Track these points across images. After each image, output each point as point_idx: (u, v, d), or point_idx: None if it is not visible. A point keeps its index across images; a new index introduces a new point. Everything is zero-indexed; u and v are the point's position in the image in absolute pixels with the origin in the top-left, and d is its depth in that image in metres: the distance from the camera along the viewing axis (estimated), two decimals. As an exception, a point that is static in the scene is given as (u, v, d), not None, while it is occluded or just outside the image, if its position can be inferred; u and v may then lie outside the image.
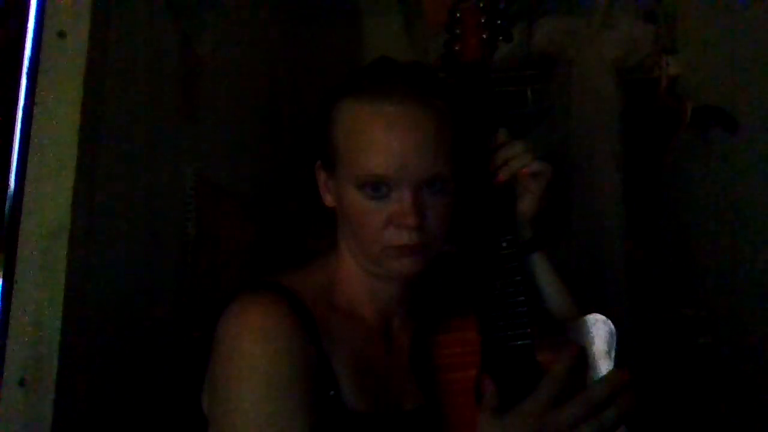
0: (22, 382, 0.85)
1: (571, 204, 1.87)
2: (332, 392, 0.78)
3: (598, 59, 1.89)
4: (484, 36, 0.91)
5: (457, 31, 0.92)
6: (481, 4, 0.91)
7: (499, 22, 0.91)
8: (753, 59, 1.55)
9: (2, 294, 0.87)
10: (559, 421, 0.73)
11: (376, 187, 0.78)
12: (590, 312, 0.83)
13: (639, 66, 1.93)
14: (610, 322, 0.81)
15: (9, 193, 0.88)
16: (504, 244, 0.84)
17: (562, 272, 0.92)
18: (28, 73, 0.90)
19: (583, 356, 0.80)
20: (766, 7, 1.51)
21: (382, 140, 0.78)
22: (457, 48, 0.91)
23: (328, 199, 0.86)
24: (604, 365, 0.80)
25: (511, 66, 1.92)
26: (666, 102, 1.86)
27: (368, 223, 0.80)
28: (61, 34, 0.91)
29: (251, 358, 0.74)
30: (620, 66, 1.91)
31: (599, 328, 0.81)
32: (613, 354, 0.80)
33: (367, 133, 0.78)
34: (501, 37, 0.92)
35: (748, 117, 1.58)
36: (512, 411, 0.74)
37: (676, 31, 1.92)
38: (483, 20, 0.91)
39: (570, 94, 1.92)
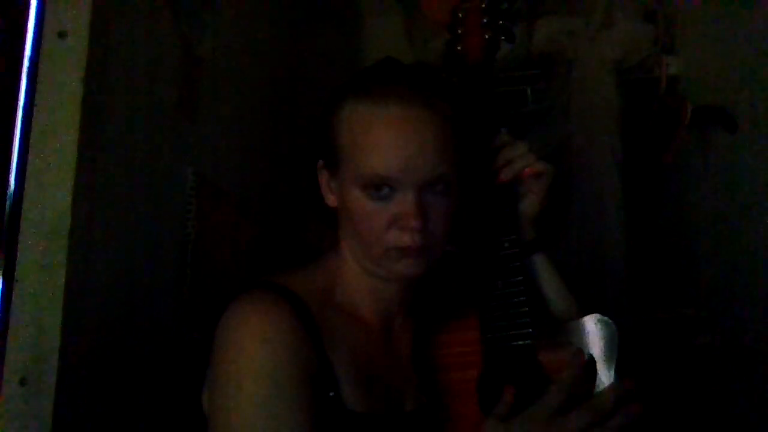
0: (22, 382, 0.85)
1: (571, 204, 1.87)
2: (332, 393, 0.78)
3: (598, 59, 1.89)
4: (487, 36, 0.91)
5: (460, 32, 0.92)
6: (483, 5, 0.91)
7: (501, 21, 0.91)
8: (753, 59, 1.55)
9: (2, 294, 0.86)
10: (565, 428, 0.73)
11: (379, 188, 0.78)
12: (591, 312, 0.83)
13: (639, 66, 1.92)
14: (611, 322, 0.81)
15: (9, 193, 0.88)
16: (506, 245, 0.84)
17: (563, 272, 0.92)
18: (28, 73, 0.90)
19: (591, 365, 0.79)
20: (766, 7, 1.51)
21: (385, 141, 0.77)
22: (459, 48, 0.92)
23: (330, 199, 0.86)
24: (604, 366, 0.80)
25: (511, 66, 1.92)
26: (666, 102, 1.86)
27: (371, 224, 0.79)
28: (61, 34, 0.91)
29: (251, 359, 0.74)
30: (620, 66, 1.90)
31: (600, 329, 0.81)
32: (614, 355, 0.80)
33: (371, 133, 0.78)
34: (503, 37, 0.92)
35: (748, 117, 1.58)
36: (518, 417, 0.74)
37: (676, 31, 1.92)
38: (485, 20, 0.91)
39: (570, 94, 1.91)
